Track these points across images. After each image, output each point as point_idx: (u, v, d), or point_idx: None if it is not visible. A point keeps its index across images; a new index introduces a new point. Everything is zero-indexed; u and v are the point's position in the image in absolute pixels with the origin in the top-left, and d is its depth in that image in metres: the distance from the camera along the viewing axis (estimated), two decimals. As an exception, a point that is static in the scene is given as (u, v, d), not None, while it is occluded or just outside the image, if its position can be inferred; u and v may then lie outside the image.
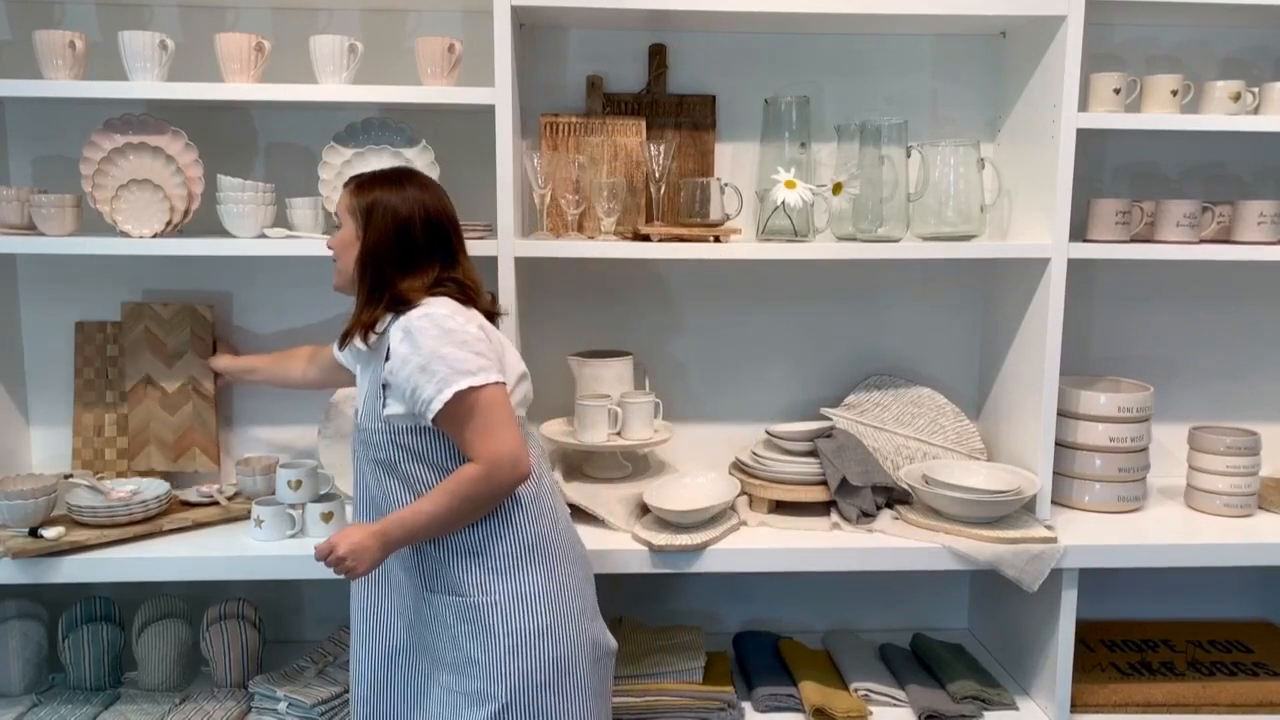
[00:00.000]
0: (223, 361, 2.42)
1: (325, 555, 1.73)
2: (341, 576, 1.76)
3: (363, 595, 1.94)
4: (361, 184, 1.86)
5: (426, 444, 1.80)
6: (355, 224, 1.84)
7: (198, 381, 2.44)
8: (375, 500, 1.88)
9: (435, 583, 1.84)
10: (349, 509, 2.29)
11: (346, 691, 2.25)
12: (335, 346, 2.11)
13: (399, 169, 1.93)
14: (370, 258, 1.82)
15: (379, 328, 1.82)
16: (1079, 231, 2.41)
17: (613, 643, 1.94)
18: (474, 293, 1.87)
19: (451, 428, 1.76)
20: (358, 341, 1.83)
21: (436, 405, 1.72)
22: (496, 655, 1.79)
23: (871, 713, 2.30)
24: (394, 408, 1.78)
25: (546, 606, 1.81)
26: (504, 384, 1.79)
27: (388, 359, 1.77)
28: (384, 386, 1.79)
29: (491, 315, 1.91)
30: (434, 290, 1.82)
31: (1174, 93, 2.35)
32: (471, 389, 1.73)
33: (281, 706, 2.22)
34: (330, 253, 1.91)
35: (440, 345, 1.74)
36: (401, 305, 1.80)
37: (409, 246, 1.82)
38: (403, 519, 1.76)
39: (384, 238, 1.82)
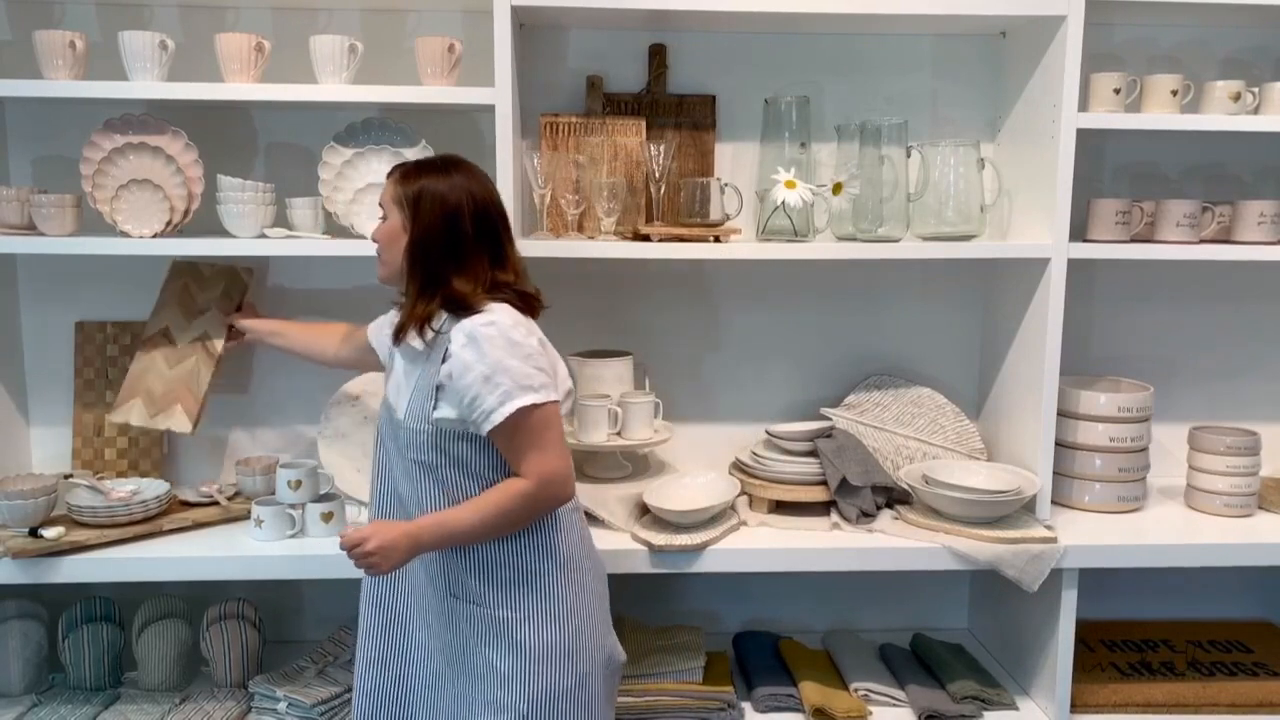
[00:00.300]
0: (249, 320, 2.32)
1: (353, 546, 1.70)
2: (360, 571, 1.74)
3: (377, 590, 1.92)
4: (407, 172, 1.81)
5: (471, 452, 1.77)
6: (401, 214, 1.78)
7: (209, 337, 2.33)
8: (404, 499, 1.85)
9: (460, 590, 1.82)
10: (349, 509, 2.30)
11: (347, 691, 2.25)
12: (371, 330, 2.07)
13: (446, 156, 1.87)
14: (420, 249, 1.77)
15: (435, 325, 1.77)
16: (1079, 231, 2.41)
17: (623, 655, 1.94)
18: (534, 301, 1.85)
19: (505, 441, 1.74)
20: (413, 339, 1.78)
21: (497, 418, 1.70)
22: (519, 667, 1.78)
23: (871, 713, 2.30)
24: (445, 412, 1.74)
25: (571, 623, 1.81)
26: (559, 402, 1.78)
27: (444, 360, 1.73)
28: (437, 389, 1.75)
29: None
30: (494, 295, 1.78)
31: (1174, 93, 2.35)
32: (533, 406, 1.71)
33: (281, 706, 2.22)
34: (375, 245, 1.85)
35: (506, 357, 1.71)
36: (461, 308, 1.75)
37: (458, 237, 1.77)
38: (439, 524, 1.73)
39: (433, 227, 1.76)
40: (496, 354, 1.71)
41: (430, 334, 1.77)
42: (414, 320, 1.77)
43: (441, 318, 1.77)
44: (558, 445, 1.75)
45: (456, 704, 1.84)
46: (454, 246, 1.77)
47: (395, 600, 1.92)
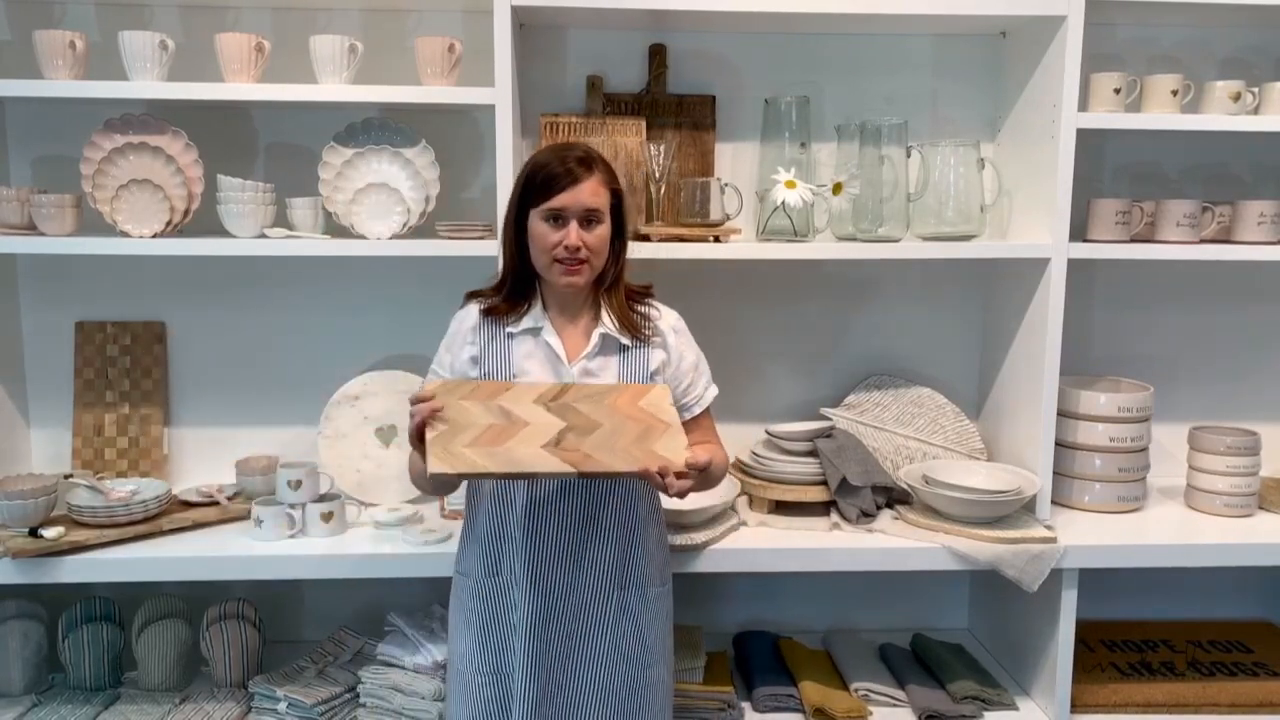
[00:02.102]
0: None
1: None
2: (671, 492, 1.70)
3: (532, 594, 1.82)
4: (607, 170, 1.81)
5: None
6: (609, 216, 1.80)
7: None
8: (595, 492, 1.82)
9: (631, 578, 1.85)
10: (349, 508, 2.30)
11: (347, 691, 2.25)
12: (445, 379, 1.86)
13: (579, 143, 1.88)
14: (624, 244, 1.86)
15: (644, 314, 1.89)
16: (1079, 231, 2.41)
17: None
18: None
19: (701, 421, 1.92)
20: (622, 334, 1.84)
21: (706, 400, 1.93)
22: (668, 639, 1.92)
23: (871, 713, 2.30)
24: None
25: None
26: None
27: (651, 349, 1.86)
28: (653, 375, 1.85)
29: None
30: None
31: (1174, 93, 2.35)
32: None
33: (281, 706, 2.22)
34: (588, 253, 1.77)
35: (697, 346, 1.94)
36: (644, 298, 1.91)
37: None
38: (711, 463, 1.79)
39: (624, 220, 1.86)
40: (695, 344, 1.93)
41: (646, 325, 1.88)
42: (635, 315, 1.87)
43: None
44: None
45: (623, 693, 1.85)
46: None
47: (549, 605, 1.83)
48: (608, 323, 1.84)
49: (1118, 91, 2.32)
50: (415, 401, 1.68)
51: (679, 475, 1.67)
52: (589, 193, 1.76)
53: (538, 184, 1.76)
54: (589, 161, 1.78)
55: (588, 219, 1.77)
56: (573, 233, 1.75)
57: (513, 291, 1.85)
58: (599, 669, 1.83)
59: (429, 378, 1.87)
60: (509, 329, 1.83)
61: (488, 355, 1.83)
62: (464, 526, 1.90)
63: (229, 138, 2.45)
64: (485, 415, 1.68)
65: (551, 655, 1.81)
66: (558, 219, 1.76)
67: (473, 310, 1.86)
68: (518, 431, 1.67)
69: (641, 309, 1.89)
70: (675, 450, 1.69)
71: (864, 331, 2.64)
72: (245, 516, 2.28)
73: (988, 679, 2.43)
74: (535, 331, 1.83)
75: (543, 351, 1.82)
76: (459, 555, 1.90)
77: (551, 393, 1.74)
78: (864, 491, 2.31)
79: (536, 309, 1.84)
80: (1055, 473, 2.41)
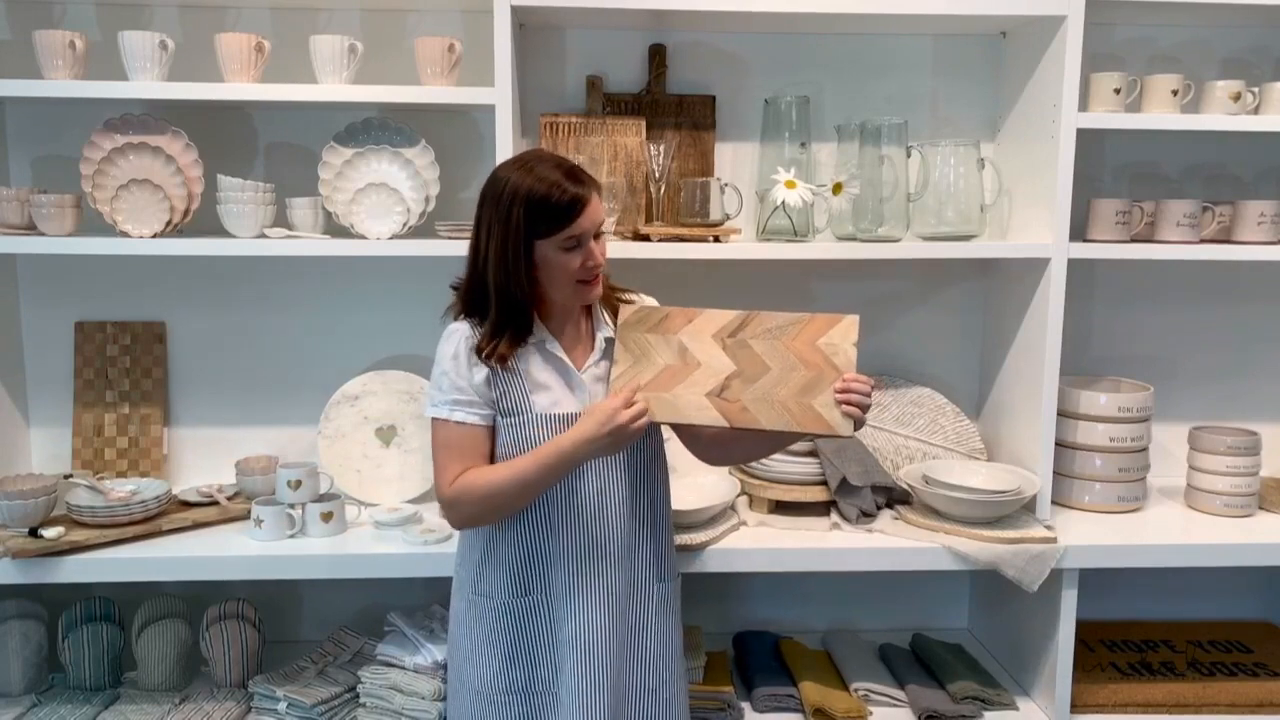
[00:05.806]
0: None
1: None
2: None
3: (579, 613, 1.82)
4: (590, 176, 1.78)
5: None
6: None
7: None
8: (647, 490, 1.89)
9: (666, 570, 1.91)
10: (349, 508, 2.30)
11: (347, 691, 2.25)
12: (474, 414, 1.81)
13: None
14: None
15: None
16: (1079, 231, 2.41)
17: None
18: None
19: None
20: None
21: None
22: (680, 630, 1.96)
23: (871, 713, 2.30)
24: None
25: None
26: None
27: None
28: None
29: None
30: None
31: (1174, 93, 2.35)
32: None
33: (281, 706, 2.22)
34: (602, 264, 1.79)
35: None
36: (623, 291, 1.93)
37: None
38: None
39: None
40: None
41: None
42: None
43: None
44: None
45: (672, 690, 1.90)
46: None
47: (600, 622, 1.83)
48: (609, 326, 1.86)
49: (1118, 91, 2.32)
50: (629, 416, 1.70)
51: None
52: (596, 209, 1.75)
53: (547, 215, 1.70)
54: (580, 176, 1.73)
55: (597, 232, 1.78)
56: (595, 250, 1.76)
57: (513, 327, 1.77)
58: (649, 666, 1.87)
59: (442, 411, 1.78)
60: None
61: (500, 377, 1.78)
62: (480, 547, 1.84)
63: (229, 138, 2.45)
64: (664, 352, 1.77)
65: (609, 661, 1.81)
66: (576, 244, 1.74)
67: (466, 331, 1.79)
68: (689, 374, 1.75)
69: (628, 305, 1.90)
70: (835, 415, 1.74)
71: (863, 331, 2.63)
72: (245, 516, 2.28)
73: (988, 679, 2.43)
74: (539, 344, 1.81)
75: (553, 364, 1.81)
76: (475, 577, 1.84)
77: (734, 325, 1.77)
78: (864, 491, 2.31)
79: (535, 326, 1.82)
80: (1055, 473, 2.41)
